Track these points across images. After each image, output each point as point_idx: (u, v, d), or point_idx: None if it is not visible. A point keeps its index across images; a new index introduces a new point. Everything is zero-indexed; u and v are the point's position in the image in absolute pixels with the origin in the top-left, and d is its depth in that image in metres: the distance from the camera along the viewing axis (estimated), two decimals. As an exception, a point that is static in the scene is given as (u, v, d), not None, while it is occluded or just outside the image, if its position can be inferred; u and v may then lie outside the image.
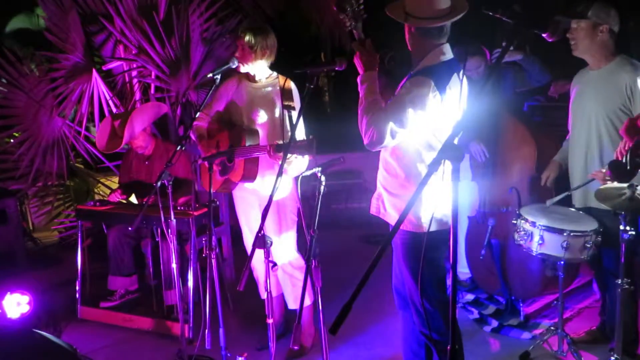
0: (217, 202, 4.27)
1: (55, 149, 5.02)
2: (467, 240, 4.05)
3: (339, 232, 5.70)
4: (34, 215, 5.77)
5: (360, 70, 2.52)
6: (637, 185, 2.73)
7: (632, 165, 2.16)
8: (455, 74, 2.45)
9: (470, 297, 4.10)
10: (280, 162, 2.56)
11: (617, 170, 2.36)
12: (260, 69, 3.31)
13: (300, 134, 3.28)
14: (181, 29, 4.78)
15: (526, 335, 3.58)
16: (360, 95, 2.48)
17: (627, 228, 2.72)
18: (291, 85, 3.33)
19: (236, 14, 5.06)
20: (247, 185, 3.36)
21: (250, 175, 3.27)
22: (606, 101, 2.98)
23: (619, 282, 2.82)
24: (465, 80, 2.37)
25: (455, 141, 2.44)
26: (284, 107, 3.26)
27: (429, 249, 2.44)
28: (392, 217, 2.59)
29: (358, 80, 2.52)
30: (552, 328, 3.36)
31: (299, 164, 3.07)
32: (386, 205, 2.62)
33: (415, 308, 2.61)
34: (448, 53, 2.47)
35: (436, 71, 2.39)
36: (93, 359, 3.53)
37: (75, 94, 4.94)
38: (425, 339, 2.67)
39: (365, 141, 2.41)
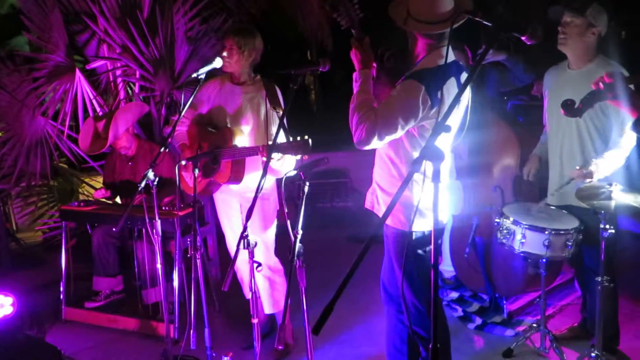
0: (202, 203, 4.26)
1: (39, 148, 4.99)
2: (452, 238, 4.08)
3: (325, 231, 5.70)
4: (18, 215, 5.72)
5: (356, 67, 2.52)
6: (615, 184, 2.79)
7: (583, 102, 2.42)
8: (454, 78, 2.42)
9: (454, 294, 4.13)
10: (268, 163, 2.57)
11: (568, 107, 2.52)
12: (245, 71, 3.32)
13: (281, 134, 3.29)
14: (165, 28, 4.76)
15: (509, 332, 3.62)
16: (354, 92, 2.48)
17: (607, 226, 2.77)
18: (275, 87, 3.33)
19: (220, 13, 5.05)
20: (231, 186, 3.36)
21: (237, 176, 3.27)
22: None
23: (599, 280, 2.86)
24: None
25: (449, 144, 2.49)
26: (272, 109, 3.26)
27: (421, 248, 2.47)
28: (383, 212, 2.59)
29: (353, 76, 2.52)
30: (534, 325, 3.40)
31: (288, 164, 3.09)
32: (379, 201, 2.64)
33: (406, 306, 2.63)
34: (448, 56, 2.42)
35: (429, 76, 2.35)
36: (77, 360, 3.52)
37: (58, 94, 4.90)
38: (412, 335, 2.69)
39: (354, 139, 2.41)
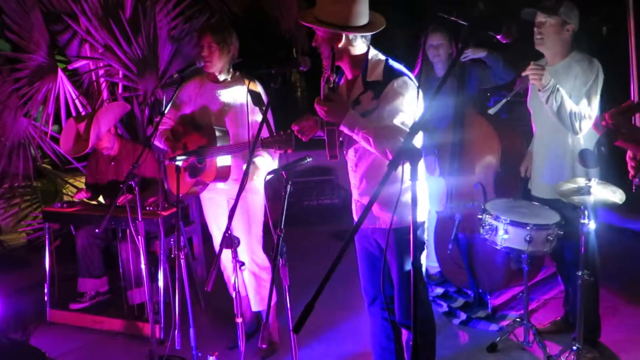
0: (185, 202, 4.26)
1: (21, 149, 4.95)
2: (436, 235, 4.11)
3: (310, 229, 5.73)
4: (1, 217, 5.63)
5: (335, 120, 2.40)
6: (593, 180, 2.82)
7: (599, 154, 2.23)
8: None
9: (439, 290, 4.16)
10: (250, 159, 2.55)
11: (586, 158, 2.45)
12: (226, 68, 3.32)
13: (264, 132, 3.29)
14: (148, 27, 4.75)
15: (493, 327, 3.66)
16: (360, 136, 2.38)
17: (587, 221, 2.80)
18: (257, 83, 3.34)
19: (203, 12, 5.03)
20: (219, 185, 3.35)
21: (223, 174, 3.27)
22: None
23: (580, 274, 2.90)
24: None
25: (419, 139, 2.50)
26: (254, 104, 3.26)
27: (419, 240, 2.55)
28: (385, 220, 2.54)
29: (344, 129, 2.41)
30: (518, 319, 3.43)
31: (270, 161, 3.09)
32: (374, 212, 2.57)
33: (401, 301, 2.62)
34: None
35: (396, 68, 2.44)
36: (63, 362, 3.51)
37: (40, 94, 4.87)
38: (401, 327, 2.71)
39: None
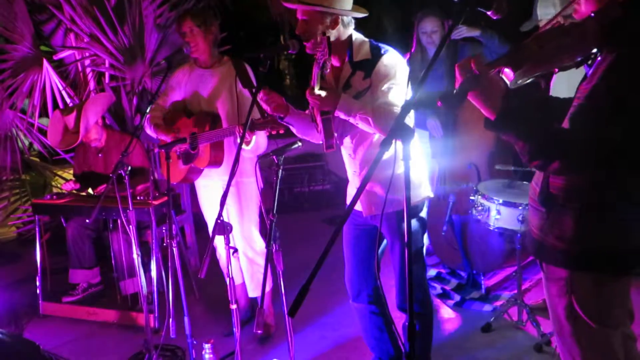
0: (176, 191, 4.23)
1: (8, 142, 4.90)
2: (428, 216, 4.09)
3: (303, 215, 5.72)
4: (-10, 211, 5.62)
5: (329, 108, 2.37)
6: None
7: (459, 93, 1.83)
8: None
9: (432, 272, 4.17)
10: (241, 142, 2.53)
11: (446, 100, 2.18)
12: (212, 52, 3.30)
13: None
14: (134, 15, 4.68)
15: (487, 307, 3.67)
16: (358, 118, 2.35)
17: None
18: (245, 65, 3.31)
19: (189, -2, 4.97)
20: (213, 170, 3.33)
21: (217, 160, 3.24)
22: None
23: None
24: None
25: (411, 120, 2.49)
26: (243, 86, 3.24)
27: (419, 219, 2.59)
28: (392, 203, 2.48)
29: (339, 115, 2.38)
30: (511, 299, 3.45)
31: (260, 142, 3.07)
32: (377, 201, 2.56)
33: (400, 286, 2.62)
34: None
35: (381, 45, 2.45)
36: (57, 354, 3.48)
37: (25, 86, 4.80)
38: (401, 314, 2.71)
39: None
